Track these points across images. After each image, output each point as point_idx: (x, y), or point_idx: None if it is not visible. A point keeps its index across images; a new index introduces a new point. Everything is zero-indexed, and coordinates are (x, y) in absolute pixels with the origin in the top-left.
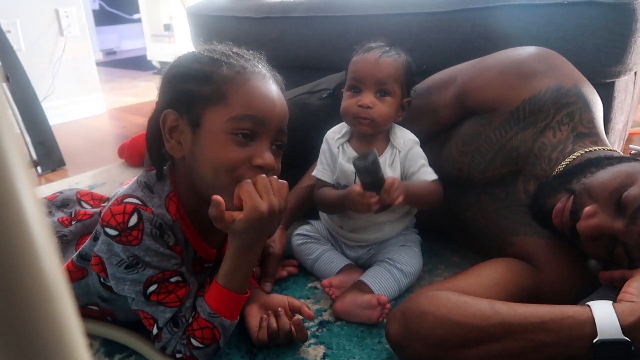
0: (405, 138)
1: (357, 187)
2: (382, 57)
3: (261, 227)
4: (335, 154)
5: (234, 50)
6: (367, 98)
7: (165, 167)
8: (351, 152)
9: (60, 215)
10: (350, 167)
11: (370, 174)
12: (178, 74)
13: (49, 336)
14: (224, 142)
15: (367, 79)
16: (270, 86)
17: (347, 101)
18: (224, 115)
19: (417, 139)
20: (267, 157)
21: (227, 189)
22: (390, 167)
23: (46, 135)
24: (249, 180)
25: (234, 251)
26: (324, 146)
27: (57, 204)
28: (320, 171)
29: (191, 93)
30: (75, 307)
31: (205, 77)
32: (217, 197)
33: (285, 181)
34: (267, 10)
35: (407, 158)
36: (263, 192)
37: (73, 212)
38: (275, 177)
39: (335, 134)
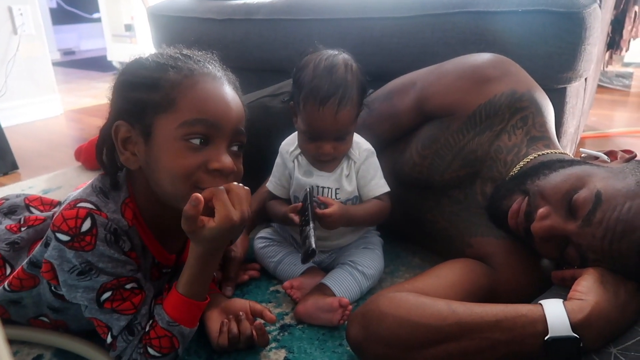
0: (360, 149)
1: (294, 216)
2: (340, 112)
3: (229, 236)
4: (291, 168)
5: (184, 53)
6: (328, 146)
7: (120, 174)
8: (306, 165)
9: (7, 222)
10: (306, 181)
11: (306, 208)
12: (125, 82)
13: None
14: (177, 149)
15: (326, 134)
16: (222, 87)
17: (306, 145)
18: (174, 122)
19: (372, 149)
20: (224, 160)
21: (187, 197)
22: (346, 179)
23: None
24: (222, 188)
25: (196, 259)
26: (278, 159)
27: (3, 210)
28: (273, 184)
29: (140, 102)
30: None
31: (152, 84)
32: (198, 195)
33: (248, 188)
34: (230, 12)
35: (361, 169)
36: (236, 202)
37: (22, 219)
38: (241, 185)
39: (289, 147)
